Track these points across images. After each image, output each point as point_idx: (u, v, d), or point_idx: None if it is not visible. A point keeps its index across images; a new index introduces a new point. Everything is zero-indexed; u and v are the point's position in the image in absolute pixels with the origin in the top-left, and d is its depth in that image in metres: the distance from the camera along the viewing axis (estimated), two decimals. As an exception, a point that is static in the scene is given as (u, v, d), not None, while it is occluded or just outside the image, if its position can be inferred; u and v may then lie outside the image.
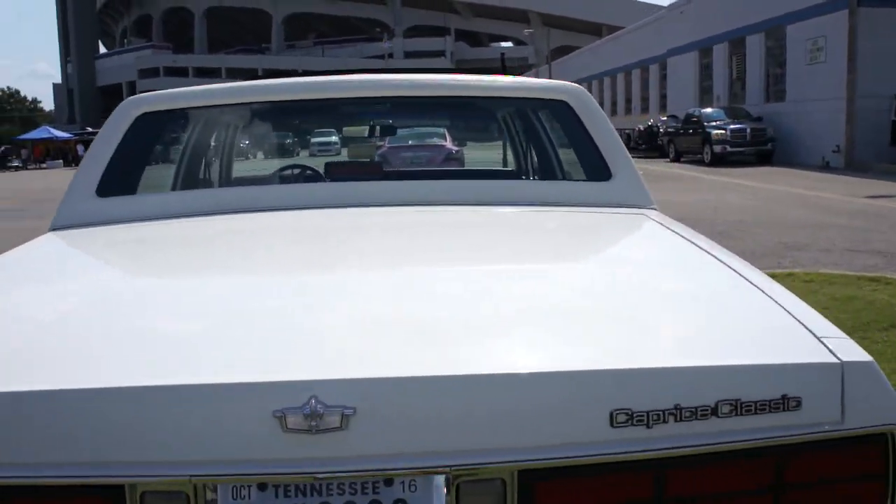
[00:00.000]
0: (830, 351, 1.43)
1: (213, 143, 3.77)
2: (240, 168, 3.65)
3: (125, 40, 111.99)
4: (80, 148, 46.84)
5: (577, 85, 2.93)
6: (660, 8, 38.50)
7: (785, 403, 1.37)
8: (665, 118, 31.16)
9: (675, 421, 1.35)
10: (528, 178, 3.99)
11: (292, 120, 4.38)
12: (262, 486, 1.33)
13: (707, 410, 1.36)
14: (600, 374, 1.38)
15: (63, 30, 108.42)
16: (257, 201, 2.79)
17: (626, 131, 33.96)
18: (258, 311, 1.72)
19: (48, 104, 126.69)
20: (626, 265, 2.16)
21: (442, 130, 11.91)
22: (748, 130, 24.51)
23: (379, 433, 1.32)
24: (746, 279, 1.81)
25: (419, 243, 2.41)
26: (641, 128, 33.19)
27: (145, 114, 2.92)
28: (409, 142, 12.43)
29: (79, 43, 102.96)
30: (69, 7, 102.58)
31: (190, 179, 3.51)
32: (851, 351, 1.44)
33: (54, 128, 62.37)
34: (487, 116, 4.18)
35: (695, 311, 1.71)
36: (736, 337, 1.55)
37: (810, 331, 1.50)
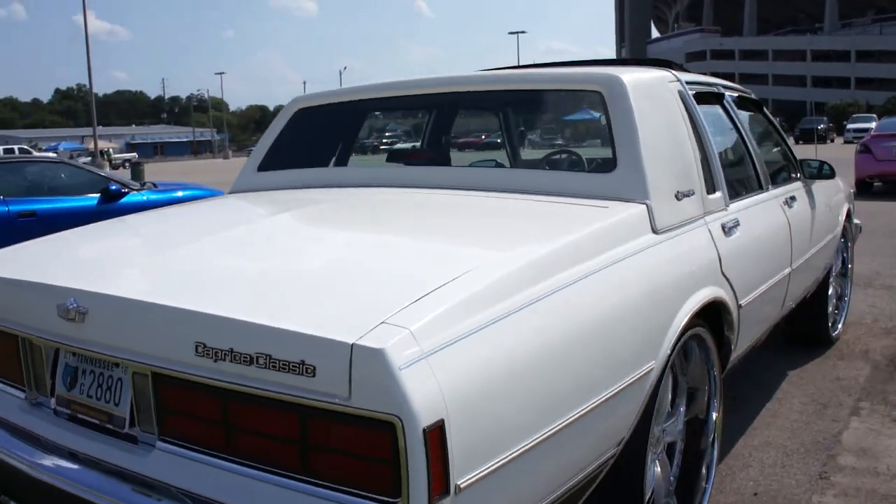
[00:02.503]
0: (366, 333, 1.51)
1: (352, 132, 4.10)
2: (360, 153, 4.07)
3: (675, 25, 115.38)
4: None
5: (618, 75, 2.78)
6: None
7: (302, 368, 1.54)
8: None
9: (230, 362, 1.64)
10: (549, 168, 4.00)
11: (420, 112, 4.59)
12: (74, 354, 2.06)
13: (248, 358, 1.61)
14: (183, 311, 1.75)
15: (619, 16, 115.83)
16: (356, 179, 3.21)
17: None
18: (140, 242, 2.60)
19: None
20: (439, 244, 2.28)
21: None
22: None
23: (97, 329, 1.92)
24: (468, 267, 1.83)
25: (360, 217, 2.73)
26: None
27: (302, 108, 3.51)
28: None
29: (633, 28, 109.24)
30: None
31: (324, 160, 3.75)
32: (380, 337, 1.51)
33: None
34: (534, 109, 4.16)
35: (344, 279, 1.90)
36: (311, 303, 1.75)
37: (386, 310, 1.59)
